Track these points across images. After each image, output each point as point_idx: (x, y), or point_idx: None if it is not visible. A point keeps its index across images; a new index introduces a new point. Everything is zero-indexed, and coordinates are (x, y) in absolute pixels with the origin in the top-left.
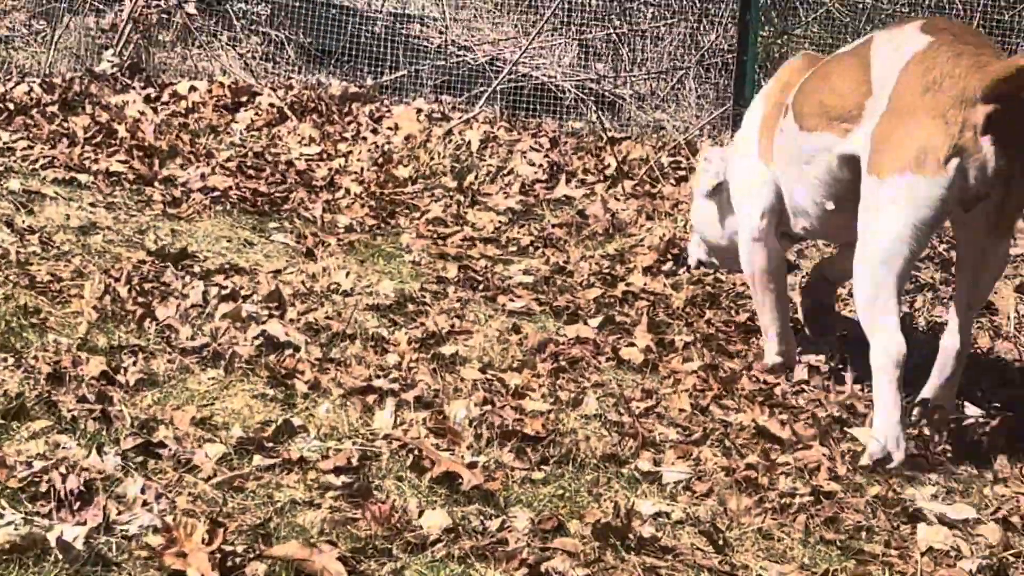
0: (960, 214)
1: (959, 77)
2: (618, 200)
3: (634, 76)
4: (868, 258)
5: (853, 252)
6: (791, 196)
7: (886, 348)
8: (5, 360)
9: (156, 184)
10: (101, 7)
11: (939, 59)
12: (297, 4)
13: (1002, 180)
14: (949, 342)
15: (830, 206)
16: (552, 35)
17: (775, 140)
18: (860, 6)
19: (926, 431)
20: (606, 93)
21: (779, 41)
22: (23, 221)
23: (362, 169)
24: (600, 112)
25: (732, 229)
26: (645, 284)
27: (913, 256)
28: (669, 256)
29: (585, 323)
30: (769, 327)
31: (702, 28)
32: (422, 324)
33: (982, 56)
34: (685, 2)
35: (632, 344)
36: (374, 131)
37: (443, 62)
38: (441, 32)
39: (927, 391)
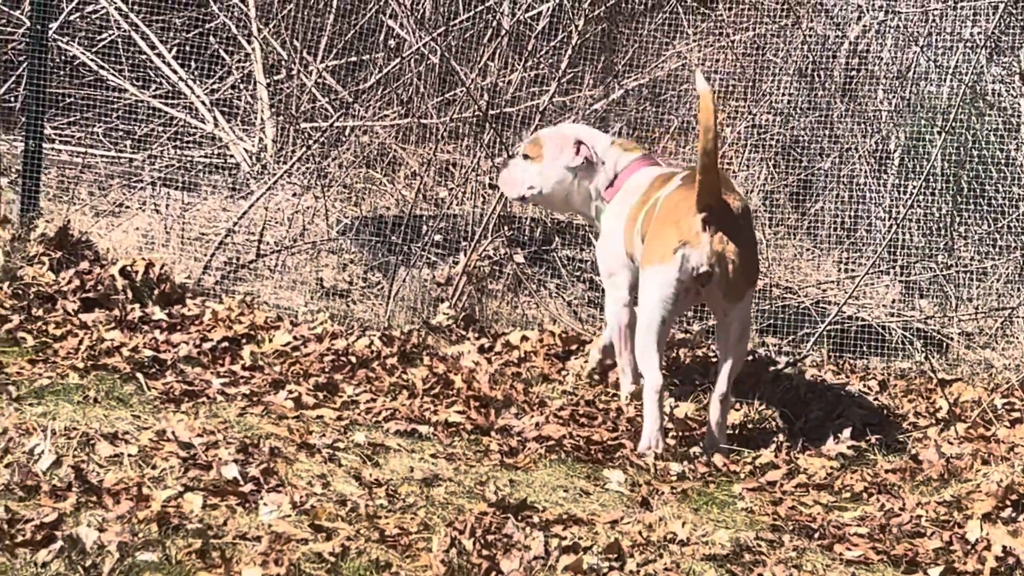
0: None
1: (685, 199)
2: (951, 444)
3: (961, 316)
4: (640, 323)
5: None
6: None
7: (652, 381)
8: None
9: (493, 434)
10: (434, 260)
11: (681, 191)
12: None
13: (719, 258)
14: (715, 390)
15: None
16: (876, 275)
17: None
18: None
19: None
20: (932, 332)
21: None
22: (370, 474)
23: (686, 415)
24: (928, 352)
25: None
26: (986, 532)
27: (666, 321)
28: (1008, 503)
29: (925, 573)
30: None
31: None
32: (760, 574)
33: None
34: (1011, 238)
35: None
36: (702, 375)
37: (768, 305)
38: (764, 276)
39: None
